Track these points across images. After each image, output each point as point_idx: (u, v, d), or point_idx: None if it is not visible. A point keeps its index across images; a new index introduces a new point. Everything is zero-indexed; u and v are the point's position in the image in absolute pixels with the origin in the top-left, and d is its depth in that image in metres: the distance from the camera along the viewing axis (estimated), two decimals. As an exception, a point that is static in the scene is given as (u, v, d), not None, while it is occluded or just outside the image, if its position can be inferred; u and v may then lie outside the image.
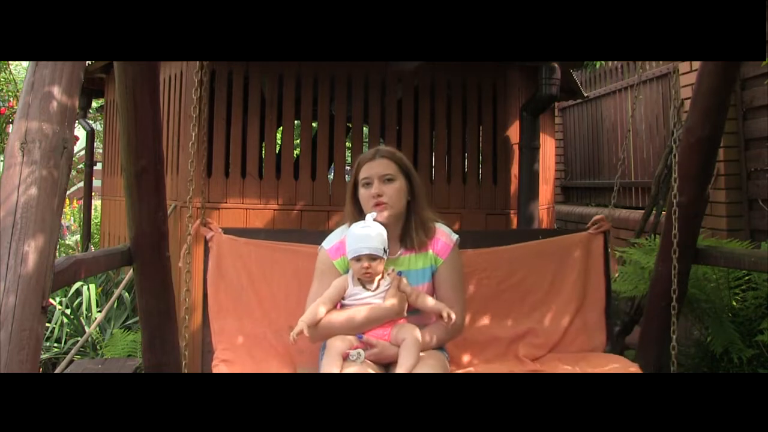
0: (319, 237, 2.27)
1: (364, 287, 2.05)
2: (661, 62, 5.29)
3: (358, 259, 2.02)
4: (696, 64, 2.33)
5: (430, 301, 2.09)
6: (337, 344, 1.98)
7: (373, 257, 2.02)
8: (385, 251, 2.04)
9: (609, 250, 2.53)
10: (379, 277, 2.05)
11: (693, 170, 2.37)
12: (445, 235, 2.22)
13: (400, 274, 2.09)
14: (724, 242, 3.47)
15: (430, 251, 2.19)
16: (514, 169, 4.23)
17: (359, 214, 2.17)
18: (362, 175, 2.17)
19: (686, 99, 4.40)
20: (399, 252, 2.18)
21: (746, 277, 3.13)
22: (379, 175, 2.13)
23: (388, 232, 2.08)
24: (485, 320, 2.44)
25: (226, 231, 2.46)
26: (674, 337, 2.21)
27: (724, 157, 4.06)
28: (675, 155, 2.32)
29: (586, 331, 2.47)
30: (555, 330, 2.45)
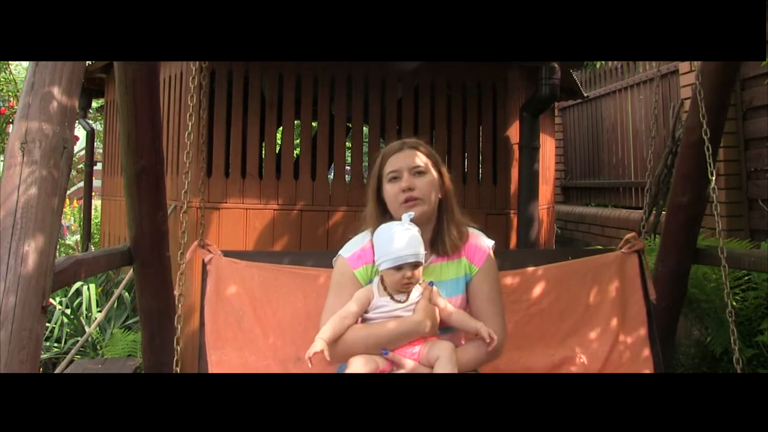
0: (327, 258, 2.02)
1: (392, 298, 1.77)
2: (661, 62, 5.29)
3: (399, 267, 1.73)
4: (696, 64, 2.31)
5: (466, 318, 1.83)
6: (360, 365, 1.72)
7: (416, 265, 1.75)
8: (423, 257, 1.78)
9: (646, 270, 2.35)
10: None
11: (693, 170, 2.37)
12: (479, 240, 1.96)
13: (431, 284, 1.83)
14: (724, 242, 3.46)
15: (464, 258, 1.92)
16: (514, 169, 4.24)
17: (383, 216, 1.90)
18: (388, 168, 1.90)
19: (686, 99, 4.42)
20: (429, 259, 1.89)
21: (746, 277, 3.13)
22: (408, 167, 1.87)
23: None
24: (517, 348, 2.21)
25: (226, 254, 2.26)
26: (736, 348, 1.97)
27: (724, 157, 4.06)
28: (707, 152, 2.11)
29: (630, 361, 2.25)
30: (595, 359, 2.25)
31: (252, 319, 2.18)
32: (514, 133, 4.27)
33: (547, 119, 5.25)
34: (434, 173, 1.91)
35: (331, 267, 1.96)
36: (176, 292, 2.02)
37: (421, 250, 1.76)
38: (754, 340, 3.01)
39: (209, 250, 2.22)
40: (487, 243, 1.97)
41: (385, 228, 1.81)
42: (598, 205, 6.51)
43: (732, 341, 1.98)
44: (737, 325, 3.03)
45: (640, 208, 5.03)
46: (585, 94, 6.45)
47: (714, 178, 2.10)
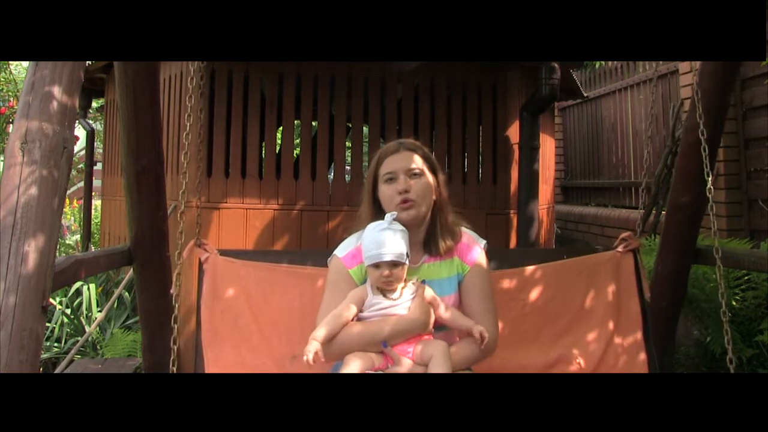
0: (324, 257, 2.03)
1: (385, 296, 1.79)
2: (661, 62, 5.29)
3: (377, 266, 1.77)
4: (696, 64, 2.31)
5: (459, 316, 1.85)
6: (356, 362, 1.73)
7: (394, 264, 1.76)
8: (407, 256, 1.79)
9: (641, 269, 2.34)
10: (402, 285, 1.80)
11: (693, 170, 2.37)
12: (472, 240, 1.98)
13: (423, 282, 1.85)
14: (724, 242, 3.47)
15: (456, 258, 1.94)
16: (514, 169, 4.24)
17: (378, 216, 1.90)
18: (384, 169, 1.91)
19: (686, 99, 4.42)
20: (422, 259, 1.92)
21: (746, 277, 3.13)
22: (405, 169, 1.88)
23: (410, 236, 1.84)
24: (512, 347, 2.20)
25: (222, 252, 2.25)
26: (730, 348, 1.94)
27: (724, 157, 4.06)
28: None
29: (626, 360, 2.24)
30: (589, 357, 2.25)
31: (248, 317, 2.19)
32: (514, 133, 4.27)
33: (547, 119, 5.25)
34: (430, 175, 1.92)
35: (326, 266, 1.98)
36: (173, 291, 2.02)
37: (399, 251, 1.76)
38: (753, 340, 3.01)
39: (206, 249, 2.21)
40: (480, 243, 1.99)
41: (368, 227, 1.84)
42: (598, 205, 6.51)
43: (726, 341, 1.96)
44: (737, 326, 3.06)
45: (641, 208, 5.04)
46: (585, 94, 6.45)
47: (711, 179, 2.10)
